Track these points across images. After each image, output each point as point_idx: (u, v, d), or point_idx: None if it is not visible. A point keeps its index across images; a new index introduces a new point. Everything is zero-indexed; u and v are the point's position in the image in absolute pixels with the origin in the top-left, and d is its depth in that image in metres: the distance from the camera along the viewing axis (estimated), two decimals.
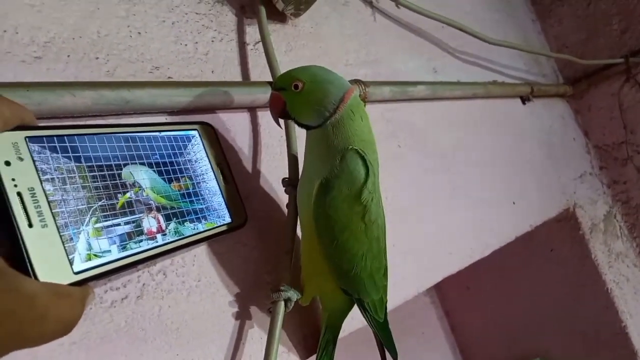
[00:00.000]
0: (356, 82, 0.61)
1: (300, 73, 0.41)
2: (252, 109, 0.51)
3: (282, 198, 0.50)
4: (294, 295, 0.44)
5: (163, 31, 0.46)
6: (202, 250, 0.43)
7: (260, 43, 0.53)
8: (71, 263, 0.30)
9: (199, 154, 0.42)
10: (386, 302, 0.46)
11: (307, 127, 0.42)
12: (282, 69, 0.52)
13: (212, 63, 0.49)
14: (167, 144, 0.40)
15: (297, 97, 0.41)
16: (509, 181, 0.89)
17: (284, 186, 0.48)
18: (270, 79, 0.51)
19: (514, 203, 0.88)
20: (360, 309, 0.45)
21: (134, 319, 0.37)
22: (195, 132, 0.43)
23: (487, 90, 0.89)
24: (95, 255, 0.32)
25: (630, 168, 1.20)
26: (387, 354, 0.49)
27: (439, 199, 0.72)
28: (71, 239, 0.31)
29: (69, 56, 0.39)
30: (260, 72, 0.53)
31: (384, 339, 0.47)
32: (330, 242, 0.41)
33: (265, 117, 0.52)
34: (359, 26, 0.70)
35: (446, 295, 1.42)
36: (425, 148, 0.73)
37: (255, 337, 0.44)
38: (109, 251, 0.33)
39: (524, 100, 1.04)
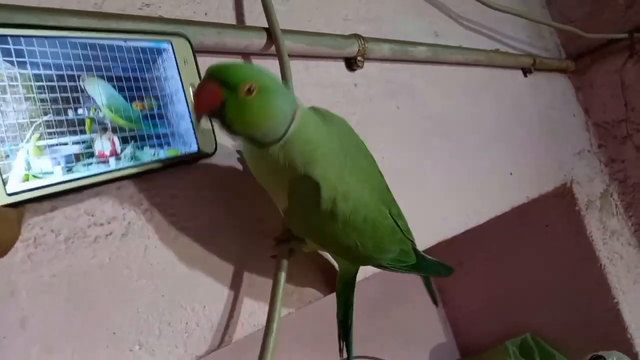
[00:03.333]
0: (355, 37, 0.59)
1: (255, 75, 0.34)
2: (245, 55, 0.49)
3: None
4: (297, 244, 0.43)
5: None
6: (193, 191, 0.41)
7: None
8: (4, 183, 0.27)
9: (169, 71, 0.38)
10: (410, 246, 0.44)
11: (241, 139, 0.36)
12: (279, 18, 0.50)
13: (206, 5, 0.48)
14: (133, 55, 0.35)
15: (243, 103, 0.33)
16: (506, 151, 0.88)
17: None
18: (266, 26, 0.49)
19: (511, 174, 0.87)
20: (383, 270, 0.45)
21: (118, 257, 0.36)
22: (168, 45, 0.38)
23: (489, 57, 0.87)
24: (35, 177, 0.29)
25: (629, 146, 1.19)
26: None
27: (435, 163, 0.71)
28: (7, 156, 0.28)
29: None
30: (255, 18, 0.51)
31: (426, 272, 0.47)
32: (320, 243, 0.42)
33: (258, 63, 0.50)
34: None
35: None
36: (424, 111, 0.72)
37: (250, 284, 0.44)
38: (52, 172, 0.30)
39: (526, 72, 1.02)
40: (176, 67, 0.39)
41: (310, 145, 0.35)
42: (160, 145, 0.36)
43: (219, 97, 0.33)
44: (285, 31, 0.50)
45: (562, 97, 1.17)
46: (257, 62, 0.51)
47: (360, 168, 0.40)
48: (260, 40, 0.48)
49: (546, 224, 1.13)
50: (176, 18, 0.43)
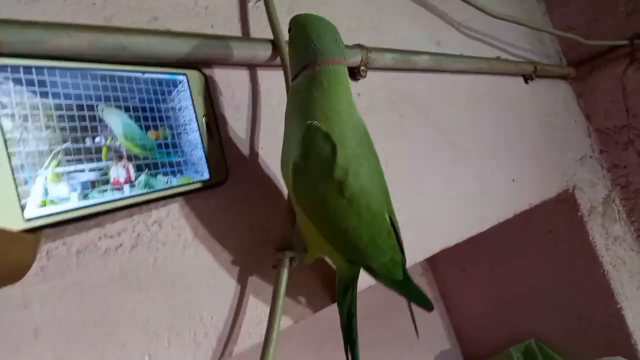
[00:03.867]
0: (358, 47, 0.60)
1: (293, 18, 0.42)
2: (251, 67, 0.50)
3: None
4: (298, 254, 0.43)
5: None
6: (199, 203, 0.42)
7: (262, 1, 0.52)
8: (23, 209, 0.28)
9: (184, 102, 0.39)
10: (401, 259, 0.44)
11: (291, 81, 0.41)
12: (284, 29, 0.51)
13: (212, 17, 0.48)
14: (150, 87, 0.37)
15: (289, 43, 0.42)
16: (509, 158, 0.88)
17: None
18: (272, 38, 0.50)
19: (513, 180, 0.87)
20: (370, 275, 0.45)
21: (128, 268, 0.37)
22: (183, 78, 0.40)
23: (491, 65, 0.88)
24: (52, 202, 0.29)
25: (631, 152, 1.19)
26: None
27: (438, 171, 0.72)
28: (26, 182, 0.28)
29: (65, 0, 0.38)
30: (261, 30, 0.52)
31: (410, 295, 0.45)
32: (319, 221, 0.40)
33: (265, 76, 0.51)
34: None
35: (442, 277, 1.42)
36: (426, 120, 0.73)
37: (255, 294, 0.44)
38: (68, 199, 0.30)
39: (527, 79, 1.03)
40: (190, 98, 0.40)
41: (332, 103, 0.38)
42: (173, 173, 0.37)
43: None
44: None
45: (563, 103, 1.18)
46: (263, 73, 0.51)
47: (371, 163, 0.41)
48: (265, 52, 0.49)
49: (549, 229, 1.14)
50: (184, 32, 0.44)
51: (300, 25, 0.40)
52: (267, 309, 0.43)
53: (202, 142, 0.40)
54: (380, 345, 1.16)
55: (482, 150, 0.82)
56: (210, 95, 0.42)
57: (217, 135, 0.42)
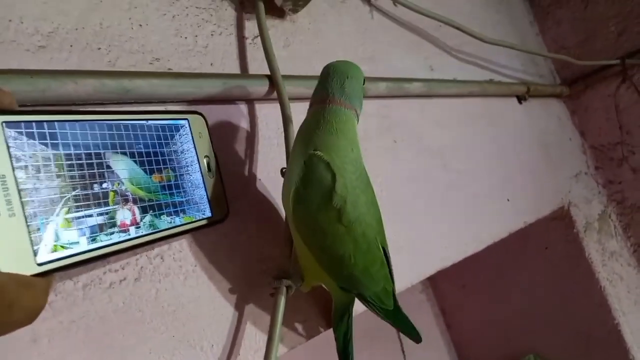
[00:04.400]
0: None
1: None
2: (249, 101, 0.52)
3: (279, 187, 0.51)
4: (295, 282, 0.45)
5: (164, 24, 0.48)
6: (199, 236, 0.44)
7: (259, 37, 0.54)
8: (35, 254, 0.29)
9: (185, 145, 0.42)
10: (392, 289, 0.46)
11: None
12: (280, 63, 0.53)
13: (211, 56, 0.51)
14: (154, 133, 0.39)
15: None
16: (503, 178, 0.90)
17: (282, 176, 0.49)
18: (268, 73, 0.52)
19: (508, 200, 0.89)
20: (363, 303, 0.46)
21: (131, 301, 0.39)
22: (185, 122, 0.42)
23: (483, 88, 0.90)
24: (62, 247, 0.31)
25: (626, 168, 1.21)
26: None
27: (433, 195, 0.73)
28: (38, 229, 0.30)
29: (71, 46, 0.41)
30: (258, 66, 0.54)
31: (399, 326, 0.47)
32: (316, 248, 0.42)
33: (262, 110, 0.53)
34: (356, 23, 0.72)
35: (442, 293, 1.43)
36: (420, 144, 0.75)
37: (253, 322, 0.46)
38: (77, 242, 0.32)
39: (520, 99, 1.05)
40: (192, 141, 0.42)
41: (334, 137, 0.41)
42: (177, 213, 0.39)
43: None
44: (286, 77, 0.53)
45: (557, 121, 1.20)
46: (260, 106, 0.53)
47: (368, 194, 0.43)
48: (262, 88, 0.51)
49: (545, 246, 1.15)
50: (184, 72, 0.47)
51: (328, 67, 0.44)
52: (266, 336, 0.45)
53: (204, 182, 0.43)
54: None
55: (476, 171, 0.84)
56: (210, 135, 0.45)
57: (218, 174, 0.44)
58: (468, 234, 0.77)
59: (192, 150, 0.42)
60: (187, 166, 0.41)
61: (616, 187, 1.23)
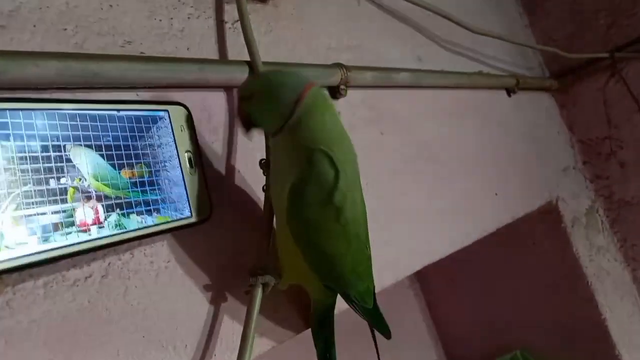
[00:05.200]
0: (338, 66, 0.60)
1: (252, 82, 0.43)
2: (228, 88, 0.50)
3: (260, 179, 0.49)
4: (271, 279, 0.43)
5: (136, 5, 0.45)
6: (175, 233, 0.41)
7: (239, 22, 0.52)
8: None
9: (164, 139, 0.38)
10: (373, 287, 0.45)
11: (272, 134, 0.41)
12: (262, 49, 0.51)
13: (188, 40, 0.48)
14: (126, 124, 0.36)
15: (255, 106, 0.40)
16: (491, 172, 0.89)
17: (261, 168, 0.47)
18: (248, 59, 0.50)
19: (496, 194, 0.87)
20: (346, 302, 0.45)
21: (97, 299, 0.36)
22: (164, 114, 0.39)
23: (472, 80, 0.88)
24: (7, 247, 0.28)
25: (613, 163, 1.20)
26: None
27: (420, 187, 0.72)
28: None
29: (34, 26, 0.38)
30: (238, 52, 0.52)
31: (375, 324, 0.46)
32: (307, 245, 0.40)
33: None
34: (342, 10, 0.69)
35: (429, 287, 1.42)
36: (408, 136, 0.73)
37: (229, 320, 0.43)
38: (25, 243, 0.29)
39: (509, 92, 1.03)
40: (172, 134, 0.39)
41: (322, 118, 0.39)
42: (149, 212, 0.36)
43: (244, 112, 0.42)
44: (267, 63, 0.50)
45: (546, 114, 1.19)
46: None
47: (359, 191, 0.42)
48: (242, 75, 0.48)
49: (533, 241, 1.14)
50: (157, 56, 0.44)
51: (264, 86, 0.41)
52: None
53: (184, 179, 0.39)
54: (365, 357, 1.16)
55: (464, 164, 0.82)
56: (194, 130, 0.42)
57: (200, 170, 0.41)
58: (455, 228, 0.75)
59: (171, 144, 0.39)
60: (165, 161, 0.38)
61: (604, 182, 1.23)
